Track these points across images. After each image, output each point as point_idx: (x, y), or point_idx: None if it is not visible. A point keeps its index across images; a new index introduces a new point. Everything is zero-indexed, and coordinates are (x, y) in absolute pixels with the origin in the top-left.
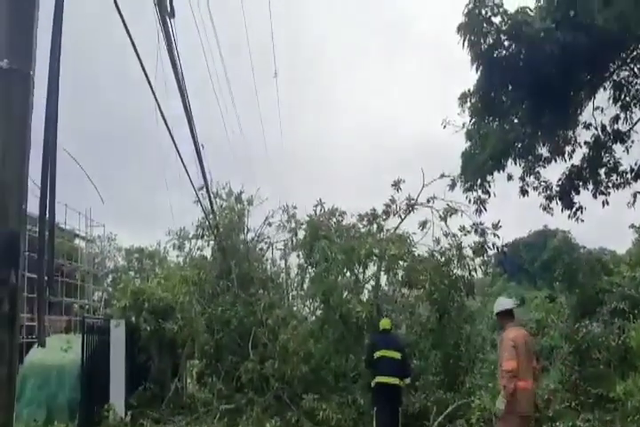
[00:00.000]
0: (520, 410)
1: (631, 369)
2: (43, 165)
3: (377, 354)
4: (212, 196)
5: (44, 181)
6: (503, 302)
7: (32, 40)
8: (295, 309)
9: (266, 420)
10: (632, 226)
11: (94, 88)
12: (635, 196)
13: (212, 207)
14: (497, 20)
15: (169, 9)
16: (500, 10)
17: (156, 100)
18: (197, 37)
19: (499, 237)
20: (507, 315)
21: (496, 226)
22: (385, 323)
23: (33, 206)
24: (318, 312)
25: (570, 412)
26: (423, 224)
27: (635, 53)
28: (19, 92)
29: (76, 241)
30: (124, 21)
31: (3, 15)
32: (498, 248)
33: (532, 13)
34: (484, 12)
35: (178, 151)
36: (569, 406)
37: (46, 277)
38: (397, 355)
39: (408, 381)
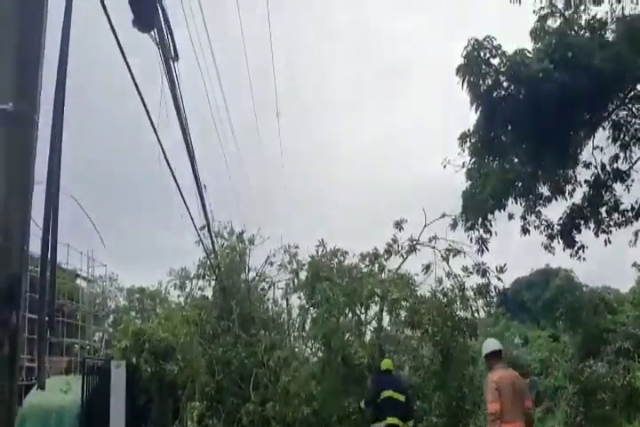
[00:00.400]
0: None
1: (637, 410)
2: (45, 207)
3: (383, 395)
4: (213, 235)
5: (46, 223)
6: (489, 344)
7: (37, 84)
8: (296, 350)
9: None
10: (635, 264)
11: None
12: (636, 234)
13: (213, 247)
14: (495, 61)
15: (172, 53)
16: (499, 51)
17: (159, 140)
18: (199, 79)
19: (501, 281)
20: (493, 356)
21: (501, 269)
22: (387, 363)
23: (35, 246)
24: (320, 354)
25: None
26: (427, 268)
27: (632, 93)
28: (23, 136)
29: (78, 281)
30: (128, 66)
31: (9, 58)
32: (499, 291)
33: (529, 55)
34: (482, 53)
35: (180, 191)
36: None
37: (47, 318)
38: (402, 397)
39: (411, 424)
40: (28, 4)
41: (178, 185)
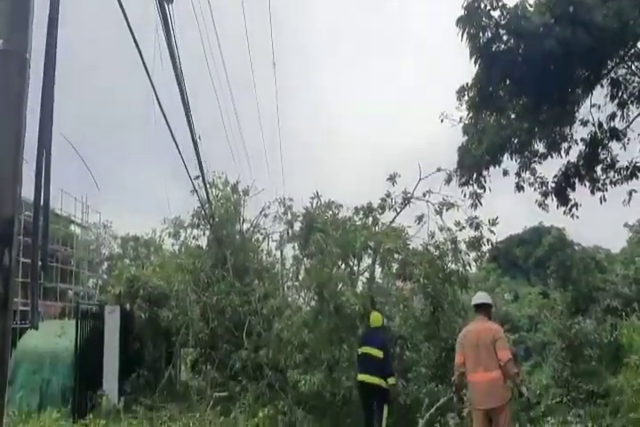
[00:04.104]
0: (474, 403)
1: (622, 365)
2: (38, 149)
3: (360, 350)
4: (207, 185)
5: (39, 165)
6: (474, 297)
7: (28, 22)
8: (290, 299)
9: (259, 408)
10: (626, 225)
11: (92, 75)
12: (630, 194)
13: (207, 197)
14: (496, 13)
15: None
16: (500, 4)
17: (154, 88)
18: (195, 27)
19: (494, 233)
20: (476, 309)
21: (493, 222)
22: (375, 320)
23: (28, 191)
24: (312, 303)
25: (561, 407)
26: (419, 218)
27: (632, 51)
28: (14, 74)
29: (72, 227)
30: (124, 11)
31: None
32: (492, 243)
33: (530, 8)
34: (482, 5)
35: (174, 139)
36: (560, 401)
37: (40, 262)
38: (379, 353)
39: (393, 380)
40: None
41: (172, 133)
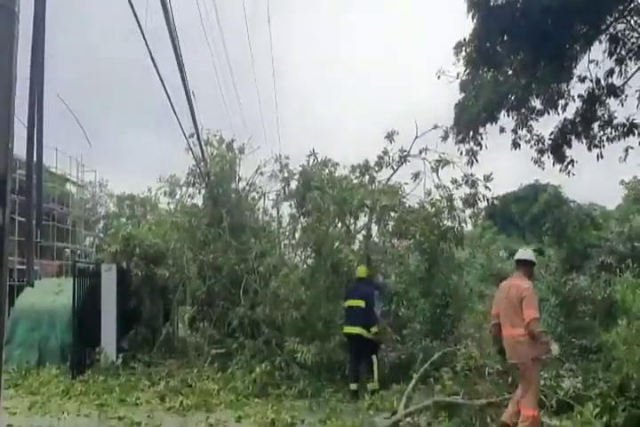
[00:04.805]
0: (507, 357)
1: (615, 322)
2: (29, 106)
3: (345, 303)
4: (202, 143)
5: (31, 121)
6: (518, 253)
7: None
8: (286, 257)
9: (255, 364)
10: (622, 182)
11: (87, 34)
12: (627, 151)
13: (202, 155)
14: None
15: None
16: None
17: (147, 45)
18: None
19: (489, 190)
20: (517, 264)
21: (488, 178)
22: (360, 271)
23: (21, 149)
24: (309, 261)
25: (554, 362)
26: (416, 175)
27: (632, 6)
28: (3, 28)
29: (67, 186)
30: None
31: None
32: (488, 200)
33: None
34: None
35: (169, 97)
36: (553, 356)
37: (35, 219)
38: (361, 303)
39: (375, 329)
40: None
41: (166, 90)
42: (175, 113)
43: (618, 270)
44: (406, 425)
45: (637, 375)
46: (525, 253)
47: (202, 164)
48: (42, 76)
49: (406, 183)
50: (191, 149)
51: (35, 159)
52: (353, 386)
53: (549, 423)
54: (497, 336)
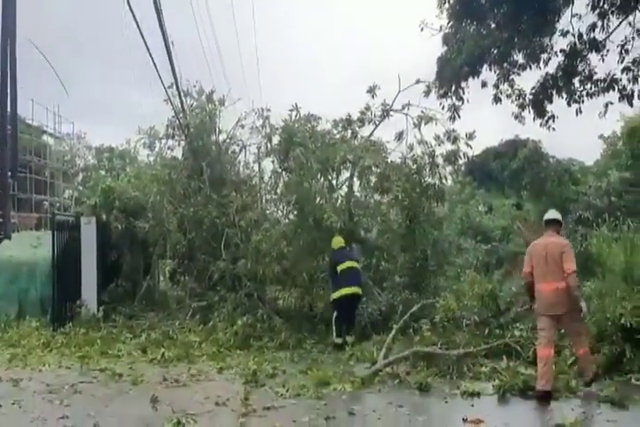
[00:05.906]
0: (541, 310)
1: (591, 274)
2: (1, 52)
3: (342, 266)
4: (182, 94)
5: (3, 71)
6: (548, 213)
7: None
8: (268, 212)
9: (237, 317)
10: (601, 137)
11: None
12: (606, 106)
13: (182, 106)
14: None
15: None
16: None
17: None
18: None
19: (471, 147)
20: (546, 224)
21: (471, 136)
22: (338, 241)
23: None
24: (291, 216)
25: (530, 313)
26: (399, 135)
27: None
28: None
29: (45, 138)
30: None
31: None
32: (469, 157)
33: None
34: None
35: (146, 45)
36: (529, 308)
37: (10, 172)
38: (357, 264)
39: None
40: None
41: (144, 38)
42: (153, 61)
43: (595, 225)
44: (385, 375)
45: (611, 328)
46: (554, 213)
47: (181, 115)
48: (14, 22)
49: (388, 142)
50: (170, 100)
51: (9, 110)
52: (338, 340)
53: (525, 373)
54: (530, 292)
